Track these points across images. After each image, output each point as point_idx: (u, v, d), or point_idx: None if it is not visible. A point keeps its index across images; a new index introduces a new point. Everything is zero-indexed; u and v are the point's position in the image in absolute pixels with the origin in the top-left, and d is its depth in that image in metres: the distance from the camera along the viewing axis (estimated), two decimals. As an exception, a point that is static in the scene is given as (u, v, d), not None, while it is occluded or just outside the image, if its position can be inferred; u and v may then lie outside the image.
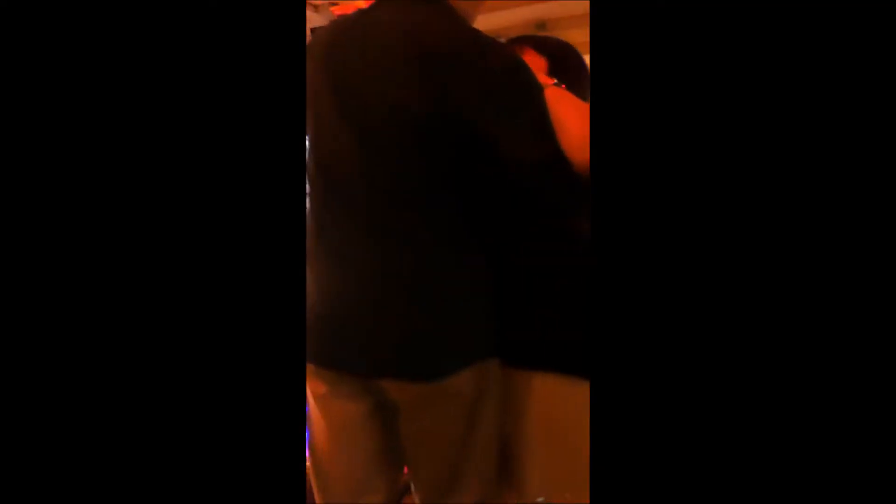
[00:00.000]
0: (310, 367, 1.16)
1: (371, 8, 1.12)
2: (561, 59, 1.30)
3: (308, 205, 1.18)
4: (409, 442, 1.18)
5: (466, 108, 0.98)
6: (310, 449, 1.23)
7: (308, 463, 1.23)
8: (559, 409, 1.14)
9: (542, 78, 1.02)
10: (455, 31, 1.05)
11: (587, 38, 0.96)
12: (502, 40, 1.25)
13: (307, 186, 1.17)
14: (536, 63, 1.23)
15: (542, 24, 3.53)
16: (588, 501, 0.81)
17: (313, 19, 3.95)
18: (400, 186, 1.06)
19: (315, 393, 1.20)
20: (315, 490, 1.25)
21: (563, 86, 1.02)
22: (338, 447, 1.19)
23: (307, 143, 1.16)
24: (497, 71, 0.99)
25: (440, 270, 1.06)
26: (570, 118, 0.94)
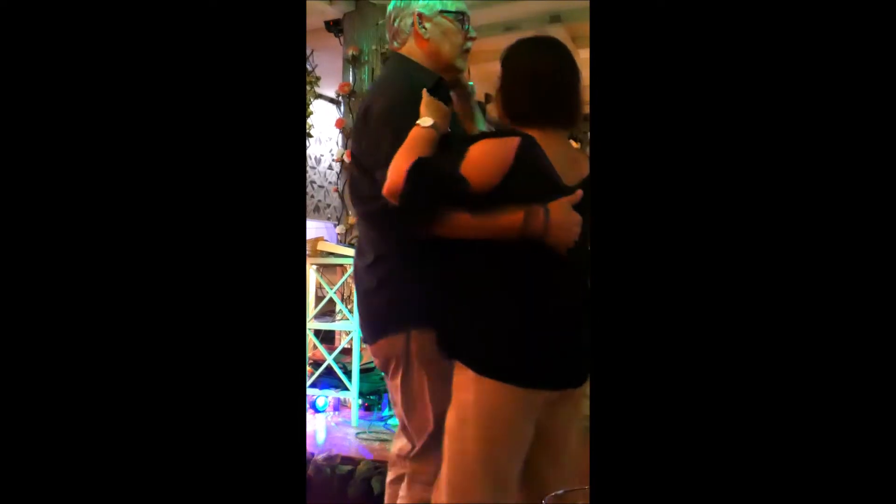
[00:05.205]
0: None
1: None
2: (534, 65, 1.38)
3: None
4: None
5: (363, 149, 1.40)
6: None
7: None
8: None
9: (423, 114, 1.30)
10: (382, 84, 1.48)
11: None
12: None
13: None
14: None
15: (556, 16, 3.51)
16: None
17: (328, 12, 3.96)
18: (360, 211, 1.52)
19: None
20: None
21: (427, 127, 1.28)
22: None
23: None
24: (373, 114, 1.37)
25: (380, 269, 1.43)
26: (399, 151, 1.24)
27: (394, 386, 1.43)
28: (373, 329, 1.44)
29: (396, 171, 1.20)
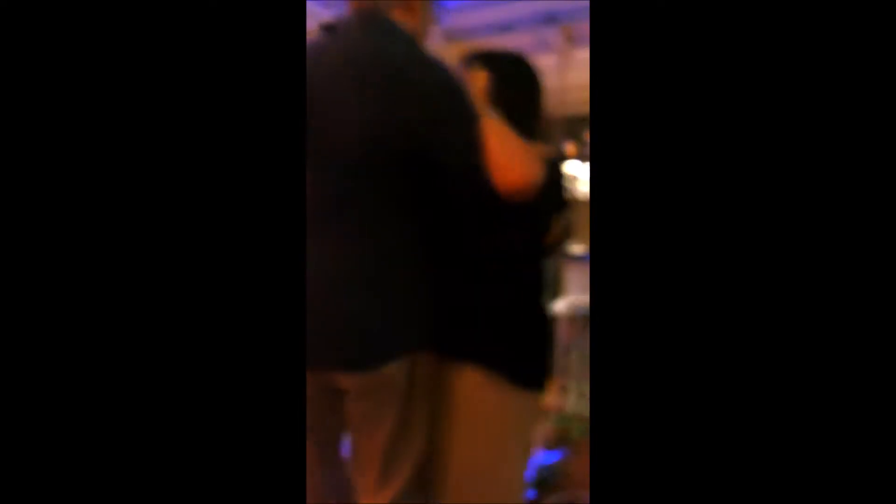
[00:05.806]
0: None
1: (333, 36, 1.27)
2: (510, 75, 1.36)
3: None
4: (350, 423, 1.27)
5: (408, 122, 1.10)
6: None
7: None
8: (477, 403, 1.26)
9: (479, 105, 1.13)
10: (403, 53, 1.16)
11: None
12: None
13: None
14: (481, 78, 1.34)
15: (552, 17, 3.51)
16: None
17: (324, 14, 3.96)
18: (345, 196, 1.16)
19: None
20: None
21: (494, 118, 1.12)
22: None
23: None
24: (431, 84, 1.11)
25: (378, 274, 1.16)
26: (494, 145, 1.05)
27: (373, 423, 1.20)
28: (368, 354, 1.16)
29: (536, 162, 1.05)
